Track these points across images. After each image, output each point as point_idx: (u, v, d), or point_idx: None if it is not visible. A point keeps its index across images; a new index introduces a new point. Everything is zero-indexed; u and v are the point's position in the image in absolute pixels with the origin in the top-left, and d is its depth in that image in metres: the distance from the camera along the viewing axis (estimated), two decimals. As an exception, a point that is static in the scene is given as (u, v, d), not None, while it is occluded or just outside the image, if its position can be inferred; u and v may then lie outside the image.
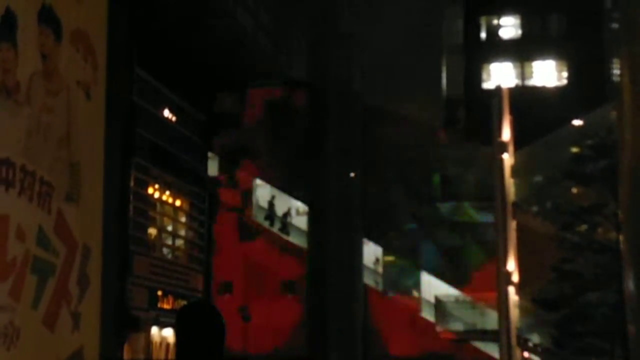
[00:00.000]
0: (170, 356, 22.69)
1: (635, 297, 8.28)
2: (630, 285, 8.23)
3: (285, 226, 38.66)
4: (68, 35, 7.99)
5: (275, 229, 38.64)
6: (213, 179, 34.98)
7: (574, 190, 32.20)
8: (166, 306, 22.09)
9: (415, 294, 37.02)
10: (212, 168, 35.51)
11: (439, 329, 35.31)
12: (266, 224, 38.76)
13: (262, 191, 39.07)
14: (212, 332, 4.72)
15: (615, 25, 36.16)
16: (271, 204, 39.16)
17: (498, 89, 35.41)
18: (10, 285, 7.12)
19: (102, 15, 8.83)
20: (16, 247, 7.23)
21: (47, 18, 7.63)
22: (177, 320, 4.95)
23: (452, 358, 35.00)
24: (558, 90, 44.18)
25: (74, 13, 7.99)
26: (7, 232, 7.07)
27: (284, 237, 38.10)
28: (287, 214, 39.03)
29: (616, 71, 34.20)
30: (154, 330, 21.76)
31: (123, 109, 9.87)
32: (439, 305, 35.83)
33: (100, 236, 9.07)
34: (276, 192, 38.81)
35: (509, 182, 32.83)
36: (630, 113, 7.93)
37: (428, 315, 36.42)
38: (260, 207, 38.83)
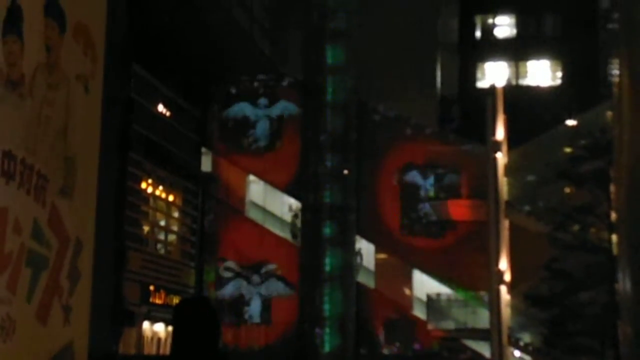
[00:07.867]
0: (161, 351, 22.67)
1: (630, 297, 8.28)
2: (625, 285, 8.22)
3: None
4: (70, 29, 7.98)
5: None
6: (207, 174, 34.89)
7: (567, 190, 32.23)
8: (158, 301, 22.06)
9: (407, 291, 37.02)
10: (206, 164, 35.43)
11: (430, 327, 35.30)
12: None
13: (255, 187, 38.58)
14: (207, 328, 4.76)
15: (613, 26, 36.11)
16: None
17: (492, 88, 35.45)
18: (7, 278, 7.10)
19: (102, 9, 8.81)
20: (13, 240, 7.21)
21: (53, 10, 7.62)
22: (174, 316, 5.00)
23: (442, 357, 35.01)
24: (552, 90, 44.21)
25: (76, 6, 7.97)
26: (6, 225, 7.05)
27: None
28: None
29: (614, 71, 34.25)
30: (146, 325, 21.75)
31: (120, 103, 9.83)
32: (430, 303, 35.81)
33: (93, 230, 9.05)
34: (269, 188, 38.27)
35: (502, 181, 32.86)
36: (629, 113, 7.92)
37: (419, 313, 36.41)
38: (254, 204, 38.41)
